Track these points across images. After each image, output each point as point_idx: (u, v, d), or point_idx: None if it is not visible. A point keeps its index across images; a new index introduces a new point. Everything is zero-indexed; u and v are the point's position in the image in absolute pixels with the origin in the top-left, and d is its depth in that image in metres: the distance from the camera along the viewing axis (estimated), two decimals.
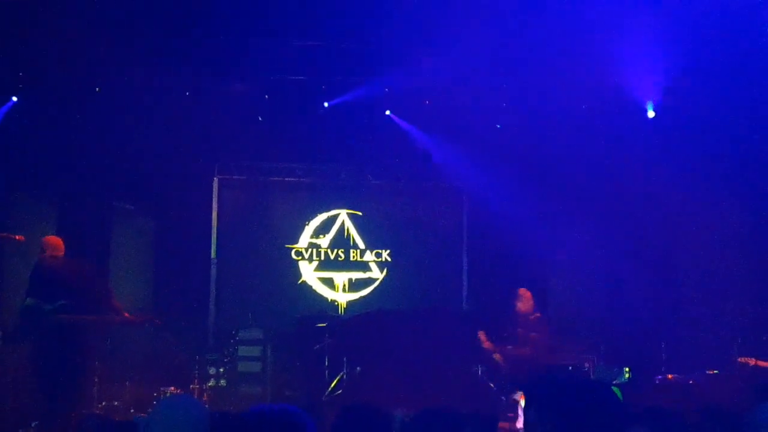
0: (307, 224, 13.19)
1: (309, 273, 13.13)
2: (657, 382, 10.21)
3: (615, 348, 11.34)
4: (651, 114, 11.73)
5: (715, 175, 11.41)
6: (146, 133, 11.61)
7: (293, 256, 13.09)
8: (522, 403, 9.08)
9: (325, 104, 11.99)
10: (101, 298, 9.22)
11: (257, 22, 10.19)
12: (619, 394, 4.89)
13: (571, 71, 10.94)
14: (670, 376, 10.30)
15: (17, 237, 9.10)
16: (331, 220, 13.29)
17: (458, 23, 9.94)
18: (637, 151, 11.85)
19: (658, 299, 12.08)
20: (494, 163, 12.58)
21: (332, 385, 11.00)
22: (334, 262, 13.18)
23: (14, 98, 11.05)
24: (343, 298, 13.14)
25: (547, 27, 9.99)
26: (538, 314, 10.80)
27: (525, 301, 10.71)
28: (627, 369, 10.44)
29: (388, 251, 13.29)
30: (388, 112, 12.26)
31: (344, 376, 11.04)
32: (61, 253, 9.26)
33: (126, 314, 9.24)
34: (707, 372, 10.17)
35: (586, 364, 10.74)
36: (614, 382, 9.89)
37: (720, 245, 11.64)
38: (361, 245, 13.30)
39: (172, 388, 9.87)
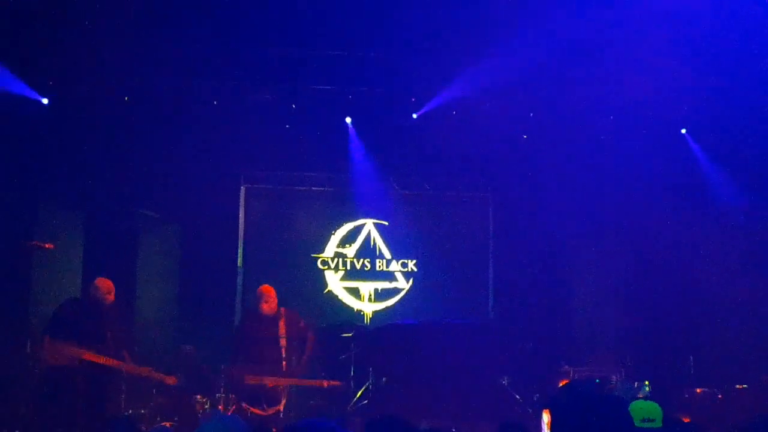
0: (333, 234, 13.20)
1: (335, 282, 13.13)
2: (686, 396, 10.13)
3: (642, 361, 11.25)
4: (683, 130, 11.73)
5: (739, 186, 11.34)
6: (174, 141, 11.70)
7: (319, 265, 13.10)
8: (545, 418, 9.03)
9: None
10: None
11: (285, 32, 10.21)
12: (659, 410, 4.84)
13: (597, 82, 10.91)
14: (698, 390, 10.22)
15: (47, 245, 9.15)
16: (357, 230, 13.28)
17: (485, 33, 9.93)
18: (665, 166, 11.78)
19: (687, 312, 11.98)
20: (521, 174, 12.55)
21: (358, 395, 10.97)
22: (360, 272, 13.18)
23: (45, 100, 11.13)
24: (369, 308, 13.13)
25: (575, 38, 9.95)
26: None
27: None
28: (647, 382, 10.34)
29: (414, 261, 13.26)
30: (415, 116, 12.15)
31: (370, 387, 11.02)
32: (113, 298, 9.22)
33: (146, 370, 9.12)
34: (736, 387, 10.08)
35: (614, 377, 10.67)
36: (638, 396, 9.80)
37: (750, 258, 11.53)
38: (387, 255, 13.29)
39: (199, 396, 9.86)
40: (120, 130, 11.41)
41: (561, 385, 9.32)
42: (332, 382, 8.81)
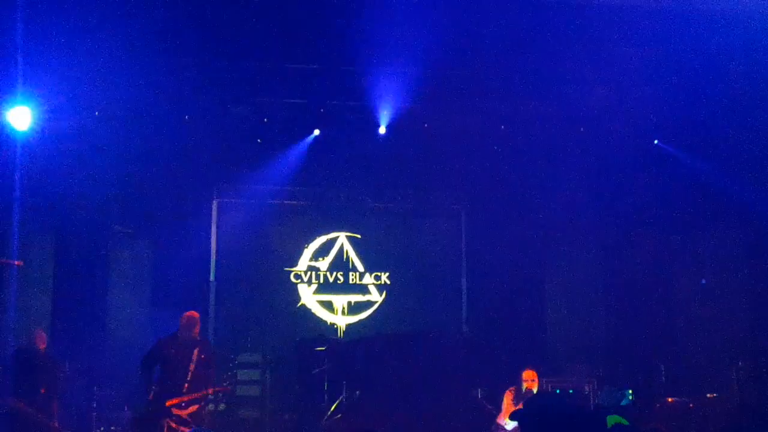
0: (306, 247, 13.19)
1: (308, 296, 13.11)
2: (658, 405, 10.20)
3: (614, 372, 11.33)
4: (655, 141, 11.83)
5: (715, 201, 11.45)
6: (146, 156, 11.64)
7: (292, 279, 13.08)
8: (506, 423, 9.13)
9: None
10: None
11: (256, 46, 10.20)
12: (623, 420, 4.89)
13: (567, 93, 10.98)
14: (670, 399, 10.29)
15: (16, 262, 9.09)
16: (330, 243, 13.29)
17: (457, 45, 9.97)
18: (640, 178, 11.87)
19: (658, 323, 12.08)
20: (493, 186, 12.60)
21: (332, 409, 10.96)
22: (333, 285, 13.17)
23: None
24: (342, 321, 13.12)
25: (547, 47, 10.02)
26: None
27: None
28: (630, 391, 10.41)
29: (387, 274, 13.27)
30: (383, 130, 12.12)
31: (344, 400, 11.01)
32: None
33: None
34: (707, 395, 10.16)
35: (587, 387, 10.73)
36: (621, 404, 9.86)
37: (719, 271, 11.66)
38: (360, 268, 13.29)
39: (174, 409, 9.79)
40: (91, 145, 11.33)
41: (507, 393, 9.41)
42: (218, 389, 9.10)
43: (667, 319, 12.14)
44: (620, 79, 10.31)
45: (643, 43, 9.69)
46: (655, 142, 11.92)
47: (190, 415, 8.54)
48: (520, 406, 9.28)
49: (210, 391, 8.78)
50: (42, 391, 9.19)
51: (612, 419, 5.97)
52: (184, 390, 8.54)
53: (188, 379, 8.54)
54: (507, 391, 9.56)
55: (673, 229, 11.85)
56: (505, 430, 9.24)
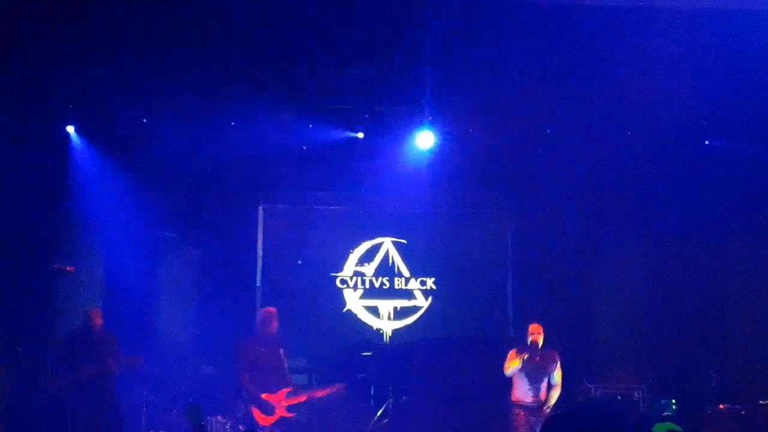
0: (352, 252, 13.20)
1: (354, 301, 13.13)
2: (709, 412, 10.06)
3: (664, 377, 11.18)
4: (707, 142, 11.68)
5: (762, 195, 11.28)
6: (192, 162, 11.76)
7: (338, 284, 13.10)
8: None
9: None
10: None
11: (302, 51, 10.25)
12: (675, 427, 4.82)
13: (614, 95, 10.88)
14: (721, 406, 10.14)
15: (68, 268, 9.23)
16: (376, 248, 13.28)
17: (501, 47, 9.94)
18: (691, 179, 11.72)
19: (710, 327, 11.90)
20: (539, 190, 12.52)
21: (378, 414, 10.96)
22: (378, 290, 13.17)
23: (70, 128, 11.30)
24: (388, 327, 13.11)
25: (592, 49, 9.96)
26: None
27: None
28: (674, 401, 10.29)
29: (432, 279, 13.24)
30: (426, 139, 12.18)
31: (390, 405, 11.00)
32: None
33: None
34: (760, 402, 10.00)
35: (636, 394, 10.61)
36: (663, 414, 9.75)
37: None
38: (406, 273, 13.27)
39: (219, 417, 9.88)
40: (138, 151, 11.49)
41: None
42: (330, 389, 8.94)
43: (719, 324, 11.96)
44: (670, 78, 10.17)
45: (693, 42, 9.57)
46: (706, 142, 11.77)
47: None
48: (525, 355, 9.45)
49: (327, 391, 8.58)
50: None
51: (663, 427, 5.89)
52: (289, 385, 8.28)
53: (287, 376, 8.36)
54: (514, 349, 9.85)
55: (726, 231, 11.65)
56: None
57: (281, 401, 7.98)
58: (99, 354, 9.44)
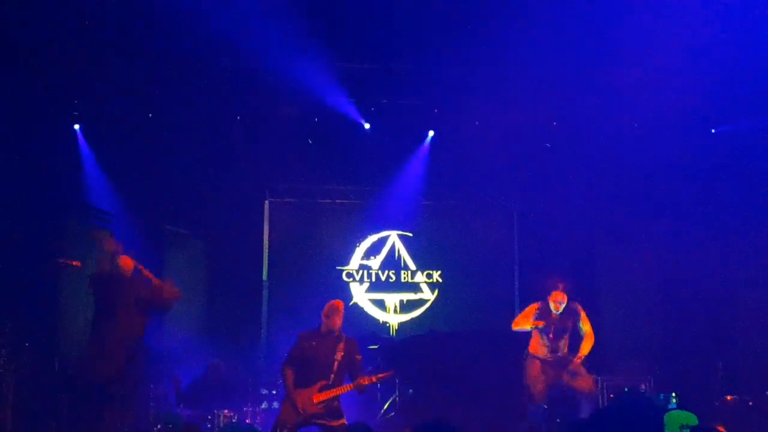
0: (358, 246, 13.22)
1: (360, 294, 13.14)
2: (716, 404, 10.04)
3: (672, 369, 11.15)
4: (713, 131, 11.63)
5: None
6: (198, 156, 11.78)
7: (344, 277, 13.11)
8: None
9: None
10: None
11: (306, 45, 10.25)
12: (690, 416, 4.82)
13: (621, 89, 10.85)
14: (729, 397, 10.12)
15: (74, 263, 9.20)
16: (382, 242, 13.29)
17: (507, 43, 9.92)
18: (694, 172, 11.68)
19: (716, 318, 11.86)
20: (545, 183, 12.50)
21: (385, 407, 10.96)
22: (385, 284, 13.18)
23: (77, 126, 11.33)
24: (394, 320, 13.12)
25: (597, 44, 9.93)
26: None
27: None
28: (674, 394, 10.26)
29: (438, 272, 13.25)
30: (431, 133, 12.28)
31: (396, 399, 11.00)
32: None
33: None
34: (767, 393, 9.97)
35: (643, 386, 10.59)
36: (666, 407, 9.72)
37: None
38: (412, 266, 13.28)
39: (226, 411, 9.89)
40: (144, 145, 11.51)
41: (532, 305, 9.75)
42: (380, 376, 8.50)
43: (726, 316, 11.91)
44: (675, 71, 10.14)
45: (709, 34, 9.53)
46: (712, 131, 11.73)
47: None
48: (539, 323, 9.40)
49: (372, 379, 8.16)
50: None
51: (677, 418, 5.89)
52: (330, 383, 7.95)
53: (332, 378, 8.01)
54: (534, 304, 9.80)
55: (732, 224, 11.61)
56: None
57: (312, 396, 7.78)
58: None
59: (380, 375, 8.25)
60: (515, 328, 9.86)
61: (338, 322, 8.14)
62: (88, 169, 11.50)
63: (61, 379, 9.64)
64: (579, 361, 9.53)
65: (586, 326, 9.73)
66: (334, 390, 7.86)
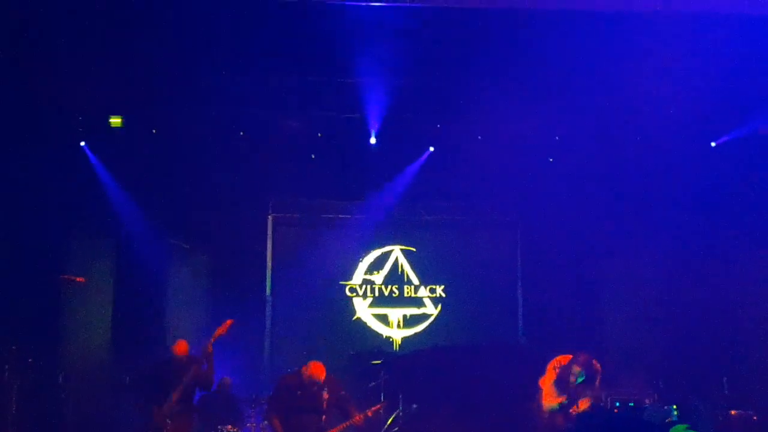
0: (361, 261, 13.22)
1: (363, 309, 13.14)
2: (720, 418, 10.01)
3: (675, 383, 11.13)
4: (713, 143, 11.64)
5: None
6: (202, 171, 11.81)
7: (347, 292, 13.12)
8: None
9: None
10: None
11: (309, 60, 10.28)
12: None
13: (622, 103, 10.88)
14: (733, 412, 10.09)
15: (78, 279, 9.23)
16: (385, 257, 13.30)
17: (509, 58, 9.95)
18: (696, 184, 11.69)
19: (720, 333, 11.85)
20: (548, 197, 12.50)
21: (388, 422, 10.93)
22: (388, 299, 13.18)
23: (82, 143, 11.39)
24: (397, 335, 13.12)
25: (599, 58, 9.95)
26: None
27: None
28: (675, 407, 10.21)
29: (442, 287, 13.25)
30: (431, 149, 12.28)
31: (400, 414, 10.98)
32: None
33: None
34: None
35: (647, 400, 10.55)
36: (666, 421, 9.68)
37: None
38: (415, 281, 13.28)
39: (229, 426, 9.88)
40: (148, 161, 11.54)
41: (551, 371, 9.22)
42: (374, 409, 8.64)
43: (730, 330, 11.90)
44: (678, 83, 10.16)
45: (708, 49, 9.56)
46: (712, 144, 11.74)
47: None
48: (563, 399, 9.16)
49: (368, 413, 8.31)
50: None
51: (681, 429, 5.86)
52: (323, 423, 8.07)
53: (323, 419, 8.11)
54: (549, 375, 9.25)
55: (736, 236, 11.61)
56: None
57: None
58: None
59: (373, 408, 8.42)
60: (545, 410, 9.38)
61: (321, 377, 8.30)
62: (89, 183, 11.54)
63: (65, 394, 9.67)
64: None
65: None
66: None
